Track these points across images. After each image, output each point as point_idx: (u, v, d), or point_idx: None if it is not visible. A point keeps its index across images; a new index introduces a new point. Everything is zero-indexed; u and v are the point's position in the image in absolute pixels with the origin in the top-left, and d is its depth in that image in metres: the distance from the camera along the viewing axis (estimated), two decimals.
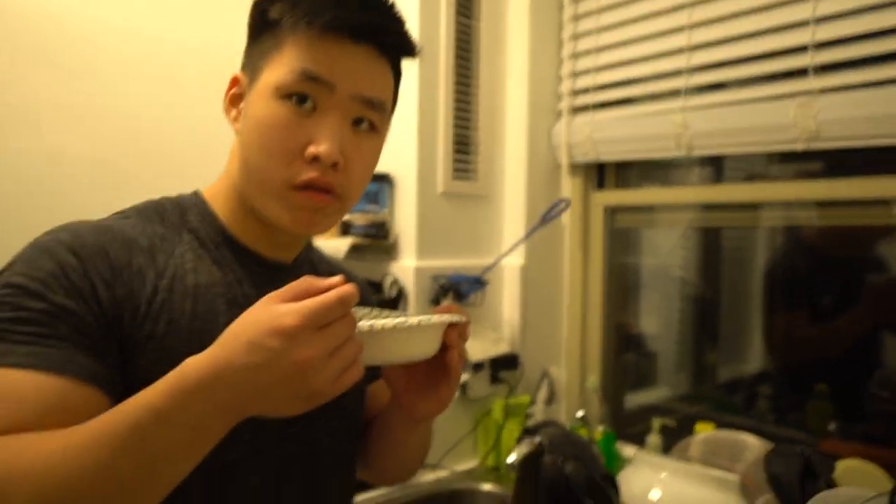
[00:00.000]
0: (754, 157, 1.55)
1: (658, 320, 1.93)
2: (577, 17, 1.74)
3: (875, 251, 1.47)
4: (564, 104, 1.75)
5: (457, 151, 1.64)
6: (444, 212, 1.62)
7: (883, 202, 1.33)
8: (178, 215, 0.73)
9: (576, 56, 1.75)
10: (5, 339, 0.55)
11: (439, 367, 0.67)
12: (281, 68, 0.65)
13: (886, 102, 1.21)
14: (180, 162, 1.51)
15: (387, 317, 0.72)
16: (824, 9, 1.28)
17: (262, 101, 0.67)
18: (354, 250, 1.53)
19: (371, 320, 0.56)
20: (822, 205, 1.46)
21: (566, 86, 1.75)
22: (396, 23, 0.71)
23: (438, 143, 1.60)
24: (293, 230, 0.69)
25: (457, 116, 1.64)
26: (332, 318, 0.50)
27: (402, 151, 1.57)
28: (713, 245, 1.79)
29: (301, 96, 0.65)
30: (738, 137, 1.42)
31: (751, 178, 1.63)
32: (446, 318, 0.62)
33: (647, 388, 1.88)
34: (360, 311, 0.71)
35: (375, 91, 0.69)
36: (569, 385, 1.79)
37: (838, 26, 1.26)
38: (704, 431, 1.29)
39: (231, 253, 0.73)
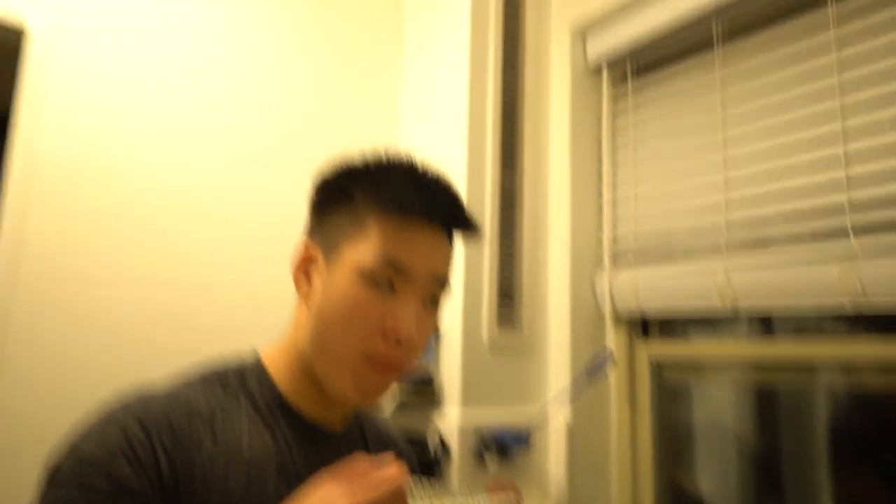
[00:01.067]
0: (806, 318, 1.53)
1: (715, 481, 1.80)
2: (615, 172, 1.83)
3: None
4: (606, 255, 1.80)
5: (501, 305, 1.67)
6: (489, 364, 1.62)
7: None
8: (238, 380, 0.75)
9: (616, 202, 1.81)
10: None
11: None
12: (364, 250, 0.70)
13: None
14: (237, 315, 1.58)
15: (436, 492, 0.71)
16: (857, 170, 1.31)
17: (344, 280, 0.70)
18: (400, 406, 1.53)
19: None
20: (881, 369, 1.41)
21: (607, 237, 1.81)
22: (464, 208, 0.77)
23: (483, 295, 1.64)
24: (356, 402, 0.72)
25: (501, 268, 1.69)
26: None
27: (447, 303, 1.61)
28: (770, 400, 1.71)
29: (385, 282, 0.69)
30: (782, 297, 1.41)
31: (801, 333, 1.59)
32: (503, 498, 0.62)
33: None
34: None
35: (444, 269, 0.74)
36: None
37: (873, 188, 1.29)
38: None
39: (283, 417, 0.74)
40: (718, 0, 1.53)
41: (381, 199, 0.71)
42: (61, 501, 0.58)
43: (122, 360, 1.42)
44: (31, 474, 0.63)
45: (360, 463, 0.55)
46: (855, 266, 1.28)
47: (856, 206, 1.31)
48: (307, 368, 0.74)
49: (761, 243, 1.51)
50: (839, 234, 1.33)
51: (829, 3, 1.40)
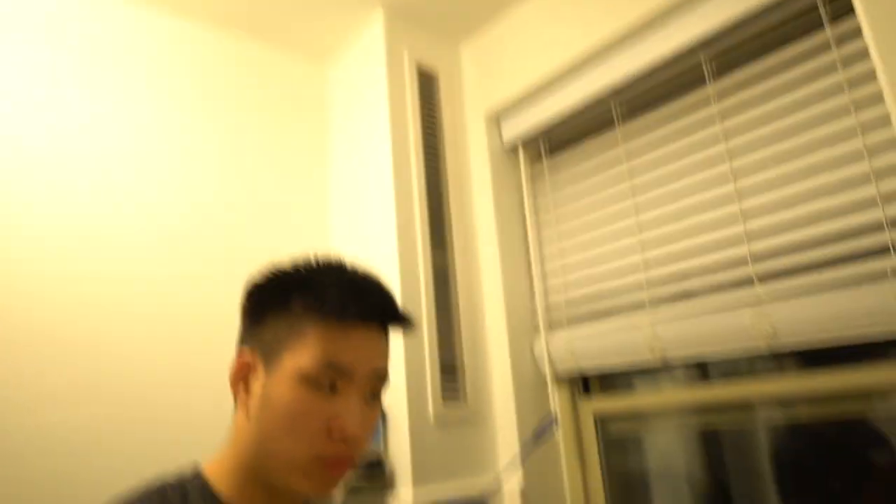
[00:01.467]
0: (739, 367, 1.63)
1: None
2: (541, 243, 1.93)
3: (877, 429, 1.48)
4: (541, 320, 1.87)
5: (444, 380, 1.71)
6: (437, 438, 1.64)
7: (862, 394, 1.39)
8: (180, 498, 0.75)
9: (545, 276, 1.90)
10: None
11: None
12: (305, 356, 0.72)
13: (831, 303, 1.31)
14: (181, 426, 1.54)
15: None
16: (753, 225, 1.45)
17: (286, 386, 0.72)
18: (351, 492, 1.51)
19: None
20: (808, 400, 1.51)
21: (539, 303, 1.88)
22: (398, 308, 0.81)
23: (426, 372, 1.67)
24: (313, 496, 0.73)
25: (441, 344, 1.73)
26: None
27: (391, 384, 1.63)
28: (713, 439, 1.79)
29: (327, 384, 0.72)
30: (706, 344, 1.51)
31: (734, 374, 1.69)
32: None
33: None
34: None
35: (384, 363, 0.78)
36: None
37: (768, 240, 1.43)
38: None
39: None
40: (614, 83, 1.70)
41: (318, 306, 0.74)
42: None
43: (69, 480, 1.36)
44: None
45: None
46: (764, 310, 1.39)
47: (756, 257, 1.44)
48: (252, 476, 0.75)
49: (681, 296, 1.61)
50: (746, 282, 1.45)
51: (707, 81, 1.57)
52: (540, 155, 1.97)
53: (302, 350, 0.72)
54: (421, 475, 1.57)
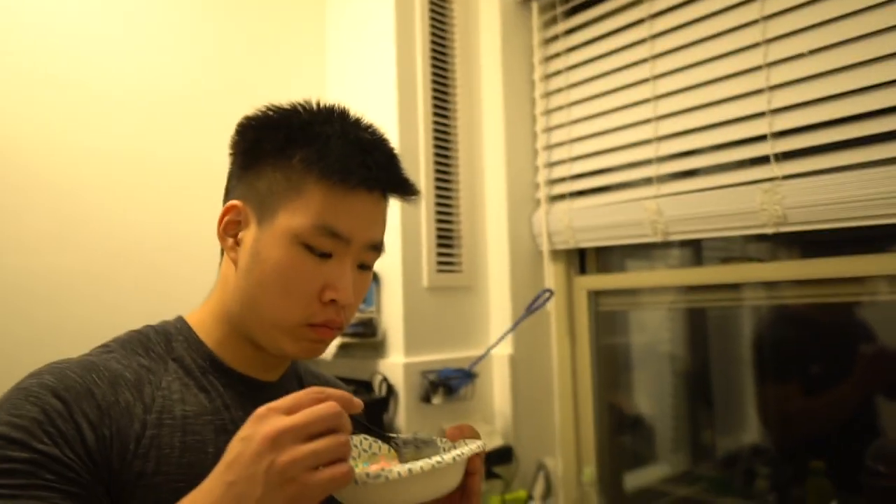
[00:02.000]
0: (732, 238, 1.60)
1: (651, 399, 1.92)
2: (548, 112, 1.83)
3: (861, 319, 1.49)
4: (542, 193, 1.82)
5: (440, 245, 1.68)
6: (431, 306, 1.64)
7: (856, 280, 1.37)
8: (163, 345, 0.73)
9: (550, 147, 1.82)
10: None
11: (457, 491, 0.65)
12: (302, 217, 0.67)
13: (845, 187, 1.27)
14: (168, 273, 1.53)
15: (400, 447, 0.71)
16: (778, 101, 1.36)
17: (278, 244, 0.68)
18: (342, 349, 1.53)
19: (402, 465, 0.55)
20: (800, 283, 1.50)
21: (542, 176, 1.82)
22: (403, 174, 0.75)
23: (422, 238, 1.64)
24: (295, 358, 0.72)
25: (438, 211, 1.69)
26: (322, 430, 0.51)
27: (386, 248, 1.60)
28: (699, 320, 1.81)
29: (322, 251, 0.68)
30: (710, 223, 1.47)
31: (729, 259, 1.67)
32: (474, 447, 0.62)
33: (646, 468, 1.85)
34: (353, 439, 0.71)
35: (381, 234, 0.74)
36: (565, 476, 1.76)
37: (792, 117, 1.34)
38: None
39: (217, 378, 0.73)
40: None
41: (320, 165, 0.68)
42: None
43: (36, 332, 1.35)
44: None
45: (291, 396, 0.53)
46: (776, 190, 1.34)
47: (777, 135, 1.36)
48: (236, 327, 0.72)
49: (689, 173, 1.56)
50: (761, 161, 1.39)
51: None
52: (555, 14, 1.81)
53: (299, 210, 0.68)
54: (413, 342, 1.58)
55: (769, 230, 1.36)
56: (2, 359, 1.31)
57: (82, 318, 1.41)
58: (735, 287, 1.61)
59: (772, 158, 1.37)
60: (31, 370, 0.65)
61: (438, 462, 0.56)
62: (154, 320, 0.78)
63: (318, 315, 0.69)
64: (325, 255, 0.69)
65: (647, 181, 1.60)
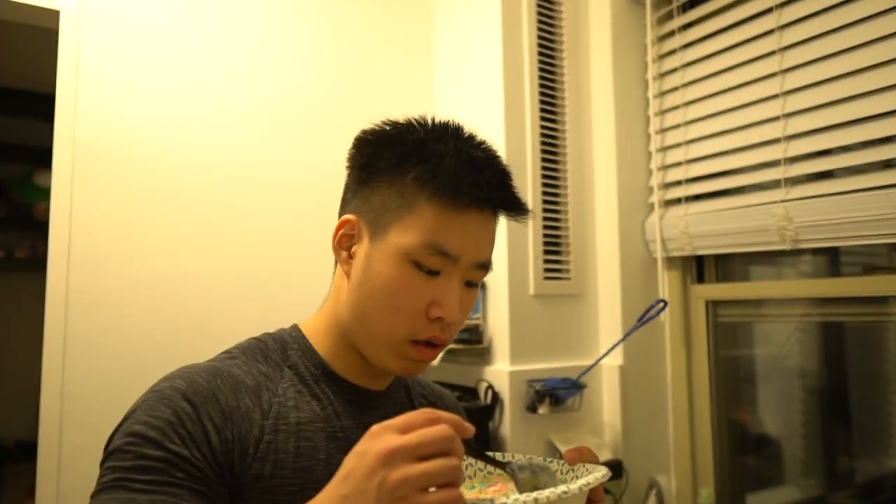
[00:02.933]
0: (876, 246, 1.45)
1: (778, 417, 1.77)
2: (662, 112, 1.74)
3: None
4: (656, 198, 1.73)
5: (547, 252, 1.65)
6: (537, 313, 1.61)
7: None
8: (280, 352, 0.76)
9: (664, 149, 1.74)
10: (127, 488, 0.59)
11: None
12: (413, 235, 0.68)
13: None
14: (288, 279, 1.62)
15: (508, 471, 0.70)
16: None
17: (389, 261, 0.69)
18: (448, 355, 1.55)
19: (527, 493, 0.53)
20: None
21: (656, 179, 1.74)
22: (515, 193, 0.74)
23: (528, 245, 1.61)
24: (400, 374, 0.73)
25: (545, 217, 1.66)
26: (434, 452, 0.50)
27: (493, 255, 1.59)
28: (835, 333, 1.65)
29: (431, 269, 0.69)
30: (848, 230, 1.33)
31: (872, 268, 1.51)
32: (599, 476, 0.59)
33: (771, 491, 1.71)
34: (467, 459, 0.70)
35: (489, 252, 0.73)
36: (679, 495, 1.66)
37: None
38: None
39: (329, 386, 0.75)
40: None
41: (434, 185, 0.69)
42: (118, 471, 0.60)
43: (174, 329, 1.49)
44: (89, 443, 0.66)
45: (405, 416, 0.52)
46: None
47: None
48: (347, 336, 0.75)
49: (822, 175, 1.42)
50: None
51: None
52: (671, 9, 1.72)
53: (410, 227, 0.69)
54: (519, 349, 1.56)
55: None
56: (140, 353, 1.44)
57: (211, 318, 1.52)
58: (880, 300, 1.45)
59: None
60: (165, 364, 0.70)
61: (564, 493, 0.53)
62: (271, 323, 0.83)
63: (423, 332, 0.69)
64: (434, 273, 0.69)
65: (775, 184, 1.47)
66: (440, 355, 1.48)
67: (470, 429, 0.54)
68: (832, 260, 1.56)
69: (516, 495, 0.52)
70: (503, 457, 0.70)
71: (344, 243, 0.75)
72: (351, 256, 0.74)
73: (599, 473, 0.60)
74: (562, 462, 0.66)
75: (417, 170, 0.70)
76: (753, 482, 1.73)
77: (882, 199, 1.27)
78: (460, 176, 0.68)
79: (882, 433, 1.53)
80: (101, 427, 0.66)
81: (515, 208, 0.74)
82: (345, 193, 0.78)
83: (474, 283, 0.74)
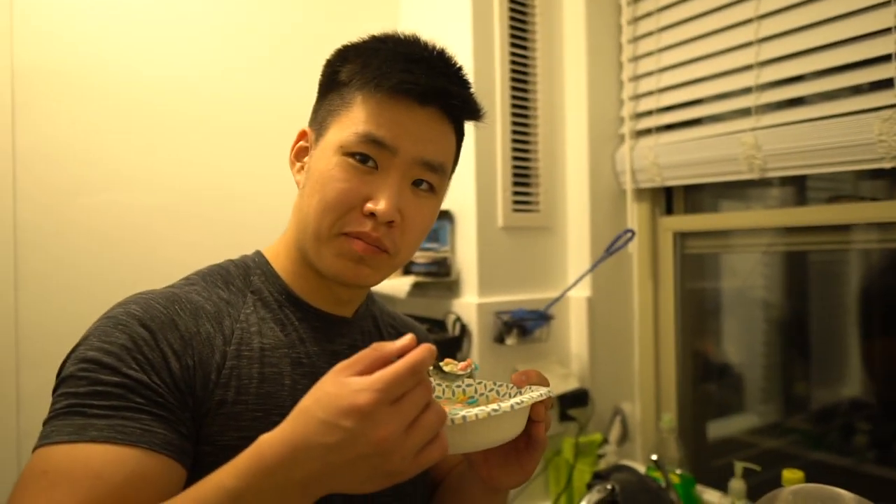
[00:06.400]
0: (842, 175, 1.45)
1: (739, 347, 1.82)
2: (635, 39, 1.69)
3: None
4: (626, 128, 1.70)
5: (516, 183, 1.62)
6: (506, 245, 1.60)
7: None
8: (242, 278, 0.74)
9: (636, 78, 1.70)
10: (84, 414, 0.57)
11: (523, 438, 0.64)
12: (347, 128, 0.67)
13: None
14: (250, 211, 1.56)
15: (459, 391, 0.70)
16: None
17: (324, 157, 0.68)
18: (416, 288, 1.53)
19: (457, 410, 0.53)
20: None
21: (627, 109, 1.70)
22: (463, 86, 0.71)
23: (497, 176, 1.58)
24: (341, 279, 0.70)
25: (515, 148, 1.62)
26: (407, 389, 0.48)
27: (460, 186, 1.56)
28: (798, 263, 1.67)
29: (363, 156, 0.66)
30: (816, 157, 1.33)
31: (837, 197, 1.52)
32: (535, 395, 0.59)
33: (731, 418, 1.77)
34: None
35: (437, 155, 0.70)
36: (643, 421, 1.71)
37: None
38: (793, 481, 1.19)
39: (293, 311, 0.73)
40: None
41: (364, 75, 0.67)
42: (71, 397, 0.57)
43: (128, 263, 1.43)
44: (47, 382, 0.63)
45: (376, 350, 0.50)
46: None
47: None
48: (304, 256, 0.73)
49: (793, 102, 1.40)
50: (882, 85, 1.23)
51: None
52: None
53: (346, 122, 0.67)
54: (487, 282, 1.55)
55: (888, 164, 1.22)
56: (94, 289, 1.39)
57: (169, 252, 1.47)
58: (844, 229, 1.46)
59: None
60: (118, 299, 0.67)
61: (495, 410, 0.53)
62: (229, 254, 0.80)
63: (352, 224, 0.67)
64: (371, 168, 0.67)
65: (745, 112, 1.46)
66: (408, 283, 1.47)
67: (418, 349, 0.50)
68: (799, 191, 1.56)
69: (451, 411, 0.52)
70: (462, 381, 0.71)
71: (300, 156, 0.75)
72: (303, 167, 0.73)
73: (536, 392, 0.60)
74: (511, 385, 0.66)
75: (351, 65, 0.69)
76: (715, 409, 1.79)
77: (849, 125, 1.26)
78: (391, 63, 0.66)
79: (838, 362, 1.58)
80: (58, 364, 0.63)
81: (461, 102, 0.70)
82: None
83: (425, 188, 0.70)
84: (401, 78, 0.65)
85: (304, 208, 0.70)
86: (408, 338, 0.51)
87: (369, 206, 0.66)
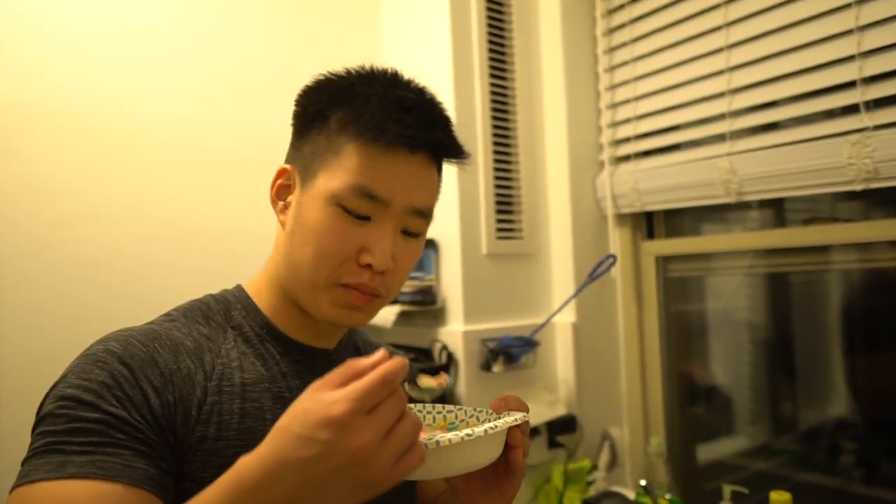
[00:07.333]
0: (819, 197, 1.48)
1: (727, 369, 1.83)
2: (612, 68, 1.74)
3: None
4: (606, 155, 1.74)
5: (499, 211, 1.64)
6: (491, 273, 1.61)
7: None
8: (223, 313, 0.74)
9: (614, 106, 1.74)
10: (63, 451, 0.56)
11: (502, 463, 0.64)
12: (338, 178, 0.66)
13: None
14: (232, 243, 1.57)
15: (440, 417, 0.70)
16: (870, 42, 1.23)
17: (316, 206, 0.68)
18: (402, 317, 1.53)
19: (432, 435, 0.53)
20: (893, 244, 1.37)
21: (606, 136, 1.74)
22: (449, 132, 0.72)
23: (480, 204, 1.60)
24: (335, 323, 0.71)
25: (497, 176, 1.64)
26: (380, 399, 0.48)
27: (444, 215, 1.58)
28: (780, 284, 1.69)
29: (359, 213, 0.67)
30: (789, 181, 1.36)
31: (815, 219, 1.55)
32: (510, 420, 0.60)
33: (719, 441, 1.77)
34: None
35: (426, 201, 0.71)
36: (632, 446, 1.71)
37: (887, 59, 1.21)
38: (781, 503, 1.19)
39: (274, 345, 0.73)
40: None
41: (357, 125, 0.67)
42: (49, 435, 0.57)
43: (106, 299, 1.42)
44: (28, 419, 0.63)
45: (349, 365, 0.50)
46: (867, 143, 1.22)
47: (870, 80, 1.23)
48: (287, 290, 0.73)
49: (766, 127, 1.44)
50: (850, 111, 1.27)
51: None
52: None
53: (337, 171, 0.67)
54: (472, 309, 1.56)
55: (857, 186, 1.25)
56: (74, 325, 1.38)
57: (150, 286, 1.47)
58: (822, 250, 1.49)
59: (861, 107, 1.24)
60: (102, 334, 0.67)
61: (468, 435, 0.53)
62: (210, 288, 0.80)
63: (350, 275, 0.67)
64: (363, 218, 0.67)
65: (720, 138, 1.49)
66: (393, 312, 1.47)
67: (389, 360, 0.50)
68: (778, 213, 1.59)
69: (424, 438, 0.52)
70: (444, 408, 0.71)
71: (281, 194, 0.74)
72: (287, 207, 0.73)
73: (511, 417, 0.60)
74: (490, 412, 0.67)
75: (342, 111, 0.68)
76: (703, 432, 1.79)
77: (820, 149, 1.30)
78: (385, 115, 0.66)
79: (823, 382, 1.60)
80: (39, 401, 0.62)
81: (448, 149, 0.72)
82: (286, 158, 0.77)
83: (414, 233, 0.71)
84: (397, 132, 0.65)
85: (295, 256, 0.70)
86: (380, 353, 0.51)
87: (366, 258, 0.66)
